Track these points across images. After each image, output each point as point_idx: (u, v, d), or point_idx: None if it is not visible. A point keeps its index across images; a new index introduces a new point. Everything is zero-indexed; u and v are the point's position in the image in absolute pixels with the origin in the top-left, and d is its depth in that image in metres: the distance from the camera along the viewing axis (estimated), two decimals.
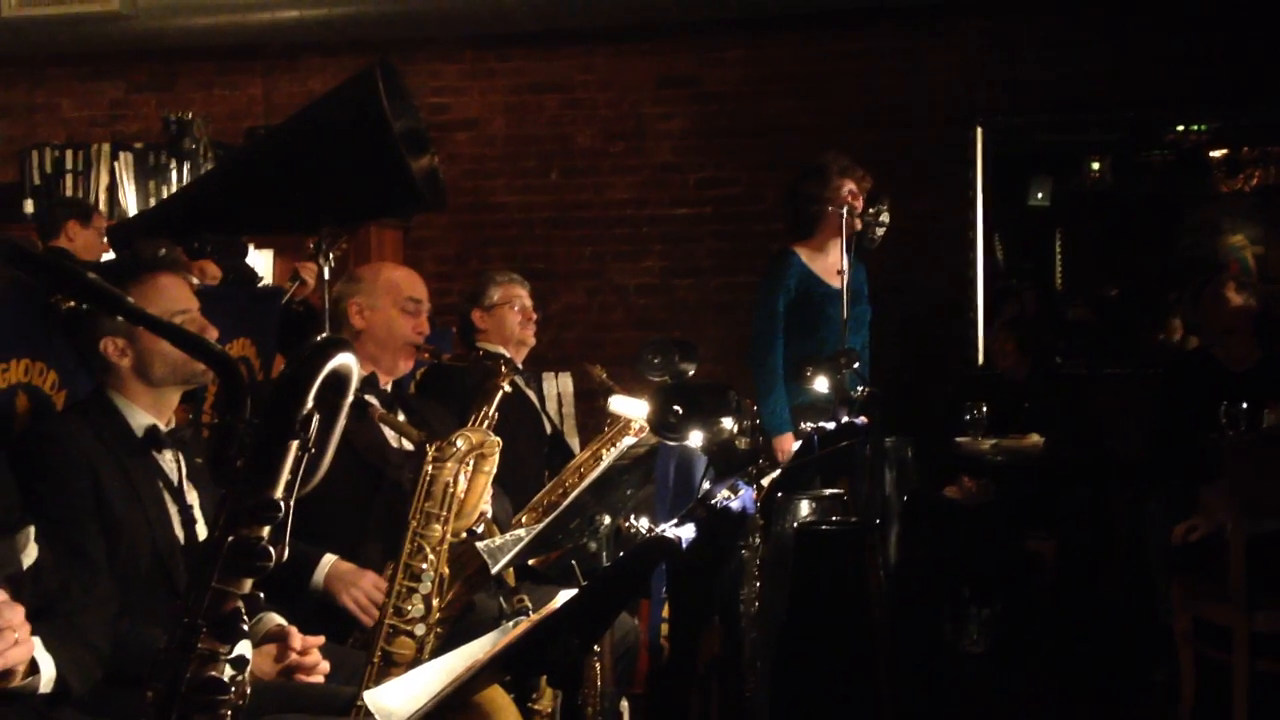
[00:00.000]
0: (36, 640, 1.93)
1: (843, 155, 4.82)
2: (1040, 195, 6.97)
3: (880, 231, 4.73)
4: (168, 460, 2.70)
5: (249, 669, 2.43)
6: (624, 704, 3.35)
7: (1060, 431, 5.70)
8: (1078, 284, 7.09)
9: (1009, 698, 5.02)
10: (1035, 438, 5.67)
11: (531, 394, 4.57)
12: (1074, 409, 5.96)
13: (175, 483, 2.69)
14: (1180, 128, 6.66)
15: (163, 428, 2.70)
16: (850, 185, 4.69)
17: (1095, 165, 6.89)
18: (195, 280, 5.27)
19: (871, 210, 4.68)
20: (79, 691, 2.04)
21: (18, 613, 1.83)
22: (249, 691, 1.54)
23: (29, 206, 6.76)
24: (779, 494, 2.57)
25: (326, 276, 3.55)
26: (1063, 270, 7.12)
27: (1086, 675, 5.17)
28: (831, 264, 4.68)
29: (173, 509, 2.66)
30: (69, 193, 6.73)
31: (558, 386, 5.49)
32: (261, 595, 1.51)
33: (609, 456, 4.01)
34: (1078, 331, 6.96)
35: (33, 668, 1.93)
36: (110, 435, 2.63)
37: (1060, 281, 7.12)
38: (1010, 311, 6.72)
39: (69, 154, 6.90)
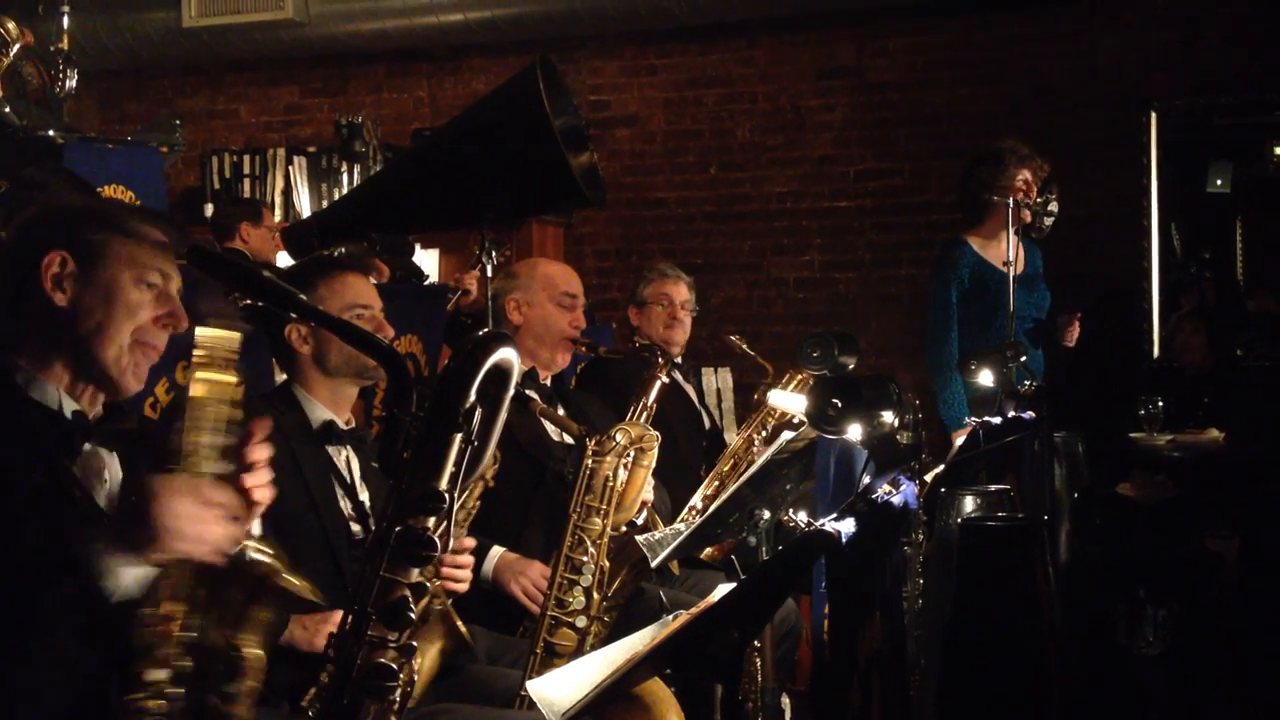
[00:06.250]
0: None
1: (1022, 144, 4.69)
2: (1219, 182, 6.70)
3: (1049, 221, 4.61)
4: (342, 456, 2.77)
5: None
6: (785, 700, 3.34)
7: (1243, 426, 5.47)
8: (1260, 273, 6.80)
9: (1186, 702, 4.83)
10: (1215, 433, 5.46)
11: (690, 388, 4.58)
12: (1257, 403, 5.72)
13: (348, 479, 2.75)
14: None
15: (340, 424, 2.78)
16: (1026, 175, 4.56)
17: (1278, 149, 6.59)
18: (373, 280, 5.44)
19: (1039, 199, 4.55)
20: None
21: None
22: (416, 678, 1.58)
23: (209, 210, 7.05)
24: (942, 489, 2.52)
25: (490, 274, 3.61)
26: (1244, 259, 6.83)
27: (1268, 680, 4.94)
28: (1004, 252, 4.57)
29: (345, 504, 2.73)
30: (246, 196, 7.00)
31: (717, 381, 5.49)
32: (428, 584, 1.55)
33: (760, 439, 4.01)
34: (1260, 322, 6.67)
35: None
36: (288, 425, 2.71)
37: (1241, 271, 6.83)
38: (1190, 302, 6.47)
39: (246, 159, 7.18)
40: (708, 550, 3.75)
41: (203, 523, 1.69)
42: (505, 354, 1.55)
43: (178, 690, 1.70)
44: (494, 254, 3.56)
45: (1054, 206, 4.57)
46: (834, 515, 1.99)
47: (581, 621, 2.92)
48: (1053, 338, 4.75)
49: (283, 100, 7.70)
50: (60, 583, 1.72)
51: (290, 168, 7.08)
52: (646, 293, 4.44)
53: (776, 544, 2.88)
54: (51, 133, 4.25)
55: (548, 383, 3.55)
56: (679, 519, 3.72)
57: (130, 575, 1.73)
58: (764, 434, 4.08)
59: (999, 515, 2.37)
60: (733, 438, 5.04)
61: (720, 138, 7.04)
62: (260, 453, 1.79)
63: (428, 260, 6.51)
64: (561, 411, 3.38)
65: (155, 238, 2.04)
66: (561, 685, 2.02)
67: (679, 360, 4.40)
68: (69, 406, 1.97)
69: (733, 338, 4.54)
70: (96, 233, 2.00)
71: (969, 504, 2.46)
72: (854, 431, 2.30)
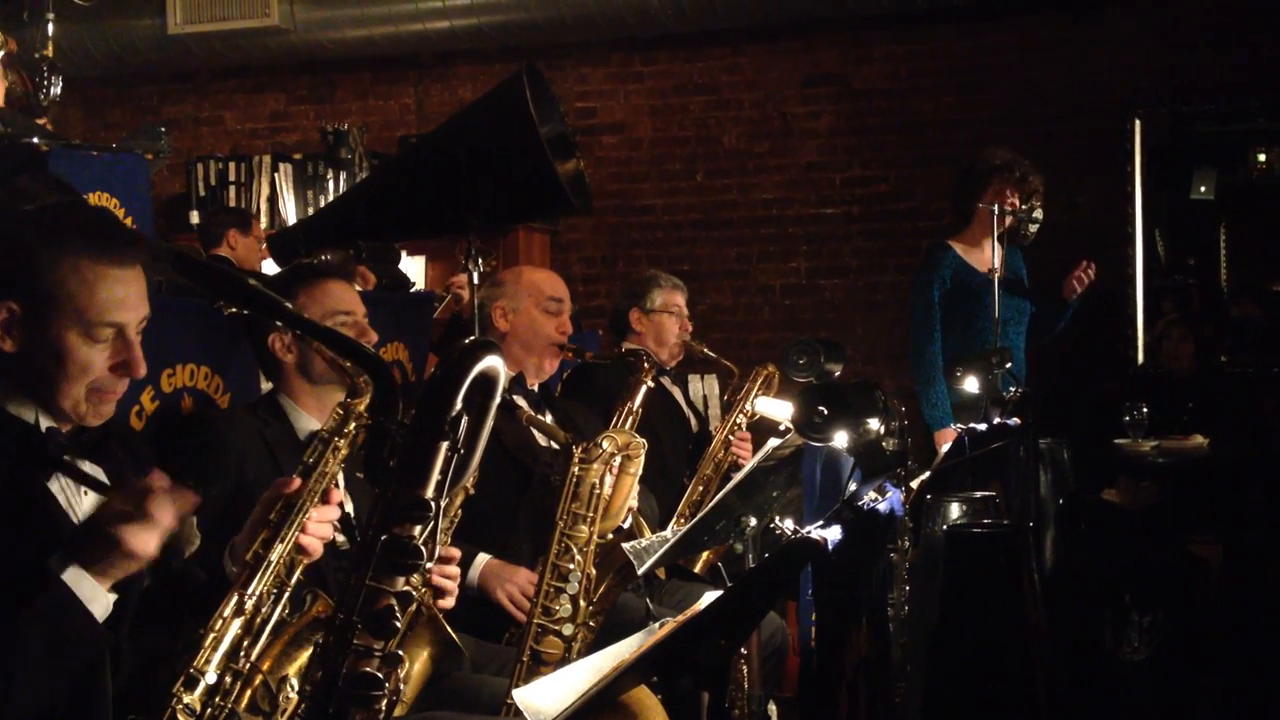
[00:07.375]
0: None
1: (1010, 154, 4.71)
2: (1203, 188, 6.73)
3: (1034, 228, 4.63)
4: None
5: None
6: (772, 707, 3.33)
7: (1227, 432, 5.50)
8: (1244, 280, 6.83)
9: (1172, 707, 4.84)
10: (1199, 438, 5.48)
11: (677, 391, 4.58)
12: (1241, 409, 5.74)
13: None
14: None
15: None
16: (1011, 188, 4.59)
17: (1261, 156, 6.61)
18: (358, 287, 5.44)
19: (1024, 206, 4.58)
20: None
21: None
22: (402, 687, 1.58)
23: (194, 217, 7.04)
24: (928, 496, 2.53)
25: (476, 281, 3.61)
26: (1228, 265, 6.85)
27: (1254, 685, 4.96)
28: (988, 258, 4.59)
29: None
30: (232, 204, 6.99)
31: (703, 388, 5.49)
32: (413, 592, 1.55)
33: (736, 439, 4.02)
34: (1244, 329, 6.69)
35: None
36: (273, 434, 2.70)
37: (1225, 277, 6.85)
38: (1173, 309, 6.49)
39: (232, 166, 7.16)
40: (705, 555, 3.76)
41: (142, 541, 1.77)
42: (491, 362, 1.55)
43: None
44: (480, 261, 3.55)
45: (1038, 214, 4.60)
46: (820, 522, 1.99)
47: (568, 629, 2.92)
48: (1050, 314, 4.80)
49: (268, 107, 7.68)
50: (36, 601, 1.72)
51: (276, 175, 7.07)
52: (659, 301, 4.38)
53: (763, 551, 2.89)
54: (36, 140, 4.23)
55: (535, 389, 3.55)
56: (669, 528, 3.72)
57: (106, 600, 1.76)
58: (739, 432, 4.09)
59: (984, 522, 2.38)
60: None
61: (706, 145, 7.05)
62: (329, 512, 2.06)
63: (414, 267, 6.50)
64: (548, 418, 3.38)
65: (113, 278, 1.92)
66: (548, 693, 2.01)
67: (666, 367, 4.40)
68: (45, 422, 1.94)
69: (691, 342, 4.54)
70: (46, 278, 1.90)
71: (955, 511, 2.47)
72: (840, 439, 2.30)
